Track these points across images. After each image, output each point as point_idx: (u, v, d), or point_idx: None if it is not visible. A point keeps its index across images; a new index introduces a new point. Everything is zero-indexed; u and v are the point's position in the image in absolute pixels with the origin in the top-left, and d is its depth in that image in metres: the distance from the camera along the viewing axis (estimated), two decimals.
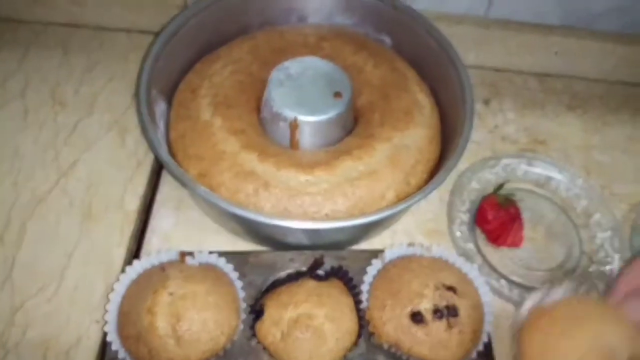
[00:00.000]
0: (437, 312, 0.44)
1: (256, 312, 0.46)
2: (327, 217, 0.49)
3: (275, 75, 0.54)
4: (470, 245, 0.55)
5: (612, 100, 0.70)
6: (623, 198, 0.61)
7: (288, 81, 0.54)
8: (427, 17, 0.60)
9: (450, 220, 0.57)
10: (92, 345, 0.47)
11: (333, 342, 0.44)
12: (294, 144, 0.54)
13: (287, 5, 0.63)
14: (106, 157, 0.58)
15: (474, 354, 0.45)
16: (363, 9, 0.63)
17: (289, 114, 0.52)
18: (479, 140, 0.65)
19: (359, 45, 0.61)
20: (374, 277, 0.48)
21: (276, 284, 0.48)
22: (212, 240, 0.55)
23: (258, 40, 0.62)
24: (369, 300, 0.46)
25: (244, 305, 0.46)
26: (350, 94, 0.54)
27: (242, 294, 0.46)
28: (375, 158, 0.52)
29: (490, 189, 0.59)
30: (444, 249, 0.49)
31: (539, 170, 0.60)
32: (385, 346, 0.45)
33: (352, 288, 0.48)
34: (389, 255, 0.49)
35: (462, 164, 0.61)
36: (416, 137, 0.54)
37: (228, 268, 0.47)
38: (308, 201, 0.49)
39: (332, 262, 0.49)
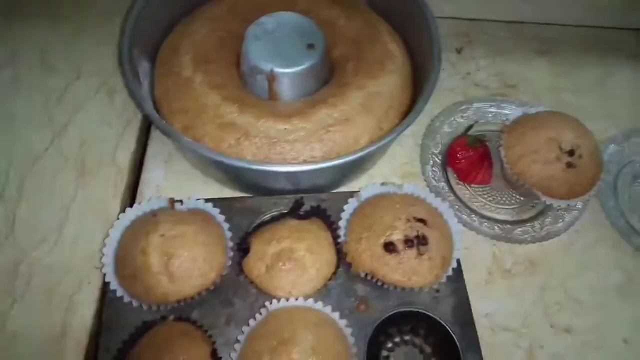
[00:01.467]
0: (408, 242, 0.47)
1: (243, 249, 0.50)
2: (305, 163, 0.53)
3: (252, 30, 0.57)
4: (443, 184, 0.59)
5: (579, 44, 0.73)
6: None
7: (264, 35, 0.56)
8: None
9: (424, 161, 0.60)
10: (93, 289, 0.51)
11: (314, 272, 0.48)
12: (272, 95, 0.57)
13: None
14: (97, 117, 0.61)
15: (444, 278, 0.49)
16: None
17: (266, 66, 0.55)
18: (451, 87, 0.68)
19: (332, 1, 0.64)
20: (351, 215, 0.52)
21: (261, 226, 0.52)
22: (201, 190, 0.58)
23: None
24: (347, 235, 0.50)
25: (231, 244, 0.50)
26: (323, 45, 0.57)
27: (229, 235, 0.50)
28: (349, 105, 0.55)
29: (462, 132, 0.62)
30: (415, 186, 0.53)
31: (508, 112, 0.64)
32: (362, 274, 0.49)
33: (330, 224, 0.51)
34: (364, 194, 0.53)
35: (436, 109, 0.65)
36: (388, 84, 0.57)
37: (215, 212, 0.51)
38: (287, 148, 0.53)
39: (312, 203, 0.53)
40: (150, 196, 0.56)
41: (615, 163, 0.62)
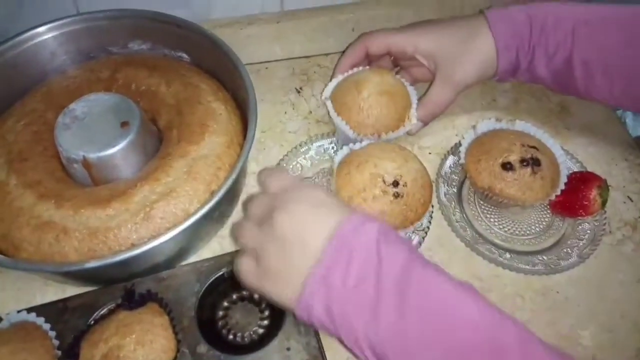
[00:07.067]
0: (524, 162, 0.55)
1: (74, 355, 0.47)
2: (133, 246, 0.51)
3: (61, 120, 0.55)
4: None
5: None
6: (432, 150, 0.66)
7: (74, 123, 0.54)
8: (205, 29, 0.61)
9: None
10: None
11: None
12: (95, 181, 0.55)
13: (75, 46, 0.64)
14: None
15: (553, 197, 0.56)
16: (152, 33, 0.65)
17: (78, 154, 0.53)
18: (295, 129, 0.68)
19: (151, 69, 0.63)
20: (469, 143, 0.60)
21: (98, 322, 0.49)
22: (41, 294, 0.55)
23: (51, 86, 0.62)
24: (465, 158, 0.59)
25: (59, 353, 0.47)
26: (139, 120, 0.55)
27: (56, 343, 0.47)
28: (172, 176, 0.53)
29: (308, 174, 0.62)
30: (525, 124, 0.60)
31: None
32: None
33: (165, 307, 0.49)
34: (480, 128, 0.61)
35: (282, 155, 0.64)
36: (213, 145, 0.56)
37: (40, 321, 0.48)
38: (111, 236, 0.50)
39: (149, 286, 0.51)
40: None
41: (457, 174, 0.63)
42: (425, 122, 0.63)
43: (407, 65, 0.66)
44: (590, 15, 0.56)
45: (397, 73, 0.66)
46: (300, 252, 0.40)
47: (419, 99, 0.63)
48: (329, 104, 0.61)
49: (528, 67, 0.60)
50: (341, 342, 0.40)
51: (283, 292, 0.42)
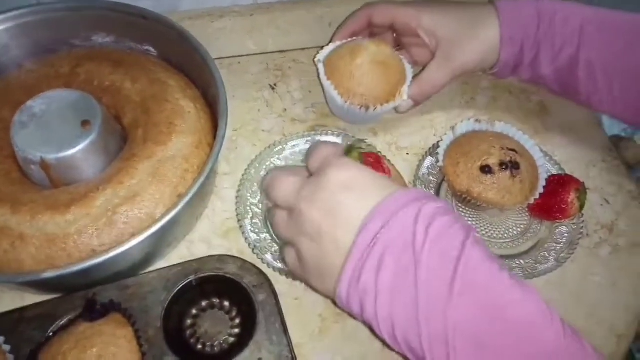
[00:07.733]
0: (503, 165, 0.54)
1: None
2: (95, 253, 0.48)
3: (18, 118, 0.51)
4: (265, 235, 0.56)
5: None
6: (410, 150, 0.64)
7: (32, 121, 0.51)
8: (173, 21, 0.58)
9: (241, 215, 0.57)
10: None
11: None
12: (54, 183, 0.52)
13: (32, 40, 0.60)
14: None
15: (532, 201, 0.55)
16: (117, 25, 0.61)
17: (35, 155, 0.50)
18: (269, 128, 0.65)
19: (116, 64, 0.59)
20: (448, 145, 0.58)
21: (57, 333, 0.47)
22: None
23: (8, 81, 0.59)
24: (444, 160, 0.57)
25: None
26: (101, 119, 0.52)
27: (11, 358, 0.44)
28: (136, 179, 0.51)
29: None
30: (504, 125, 0.59)
31: None
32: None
33: (129, 317, 0.47)
34: (459, 129, 0.59)
35: (255, 154, 0.62)
36: (180, 146, 0.53)
37: None
38: (71, 243, 0.48)
39: (112, 294, 0.49)
40: None
41: (435, 175, 0.61)
42: (416, 102, 0.62)
43: (409, 44, 0.64)
44: (599, 17, 0.56)
45: (397, 51, 0.64)
46: (333, 248, 0.40)
47: (414, 77, 0.62)
48: (320, 66, 0.60)
49: (532, 63, 0.59)
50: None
51: (323, 287, 0.42)
